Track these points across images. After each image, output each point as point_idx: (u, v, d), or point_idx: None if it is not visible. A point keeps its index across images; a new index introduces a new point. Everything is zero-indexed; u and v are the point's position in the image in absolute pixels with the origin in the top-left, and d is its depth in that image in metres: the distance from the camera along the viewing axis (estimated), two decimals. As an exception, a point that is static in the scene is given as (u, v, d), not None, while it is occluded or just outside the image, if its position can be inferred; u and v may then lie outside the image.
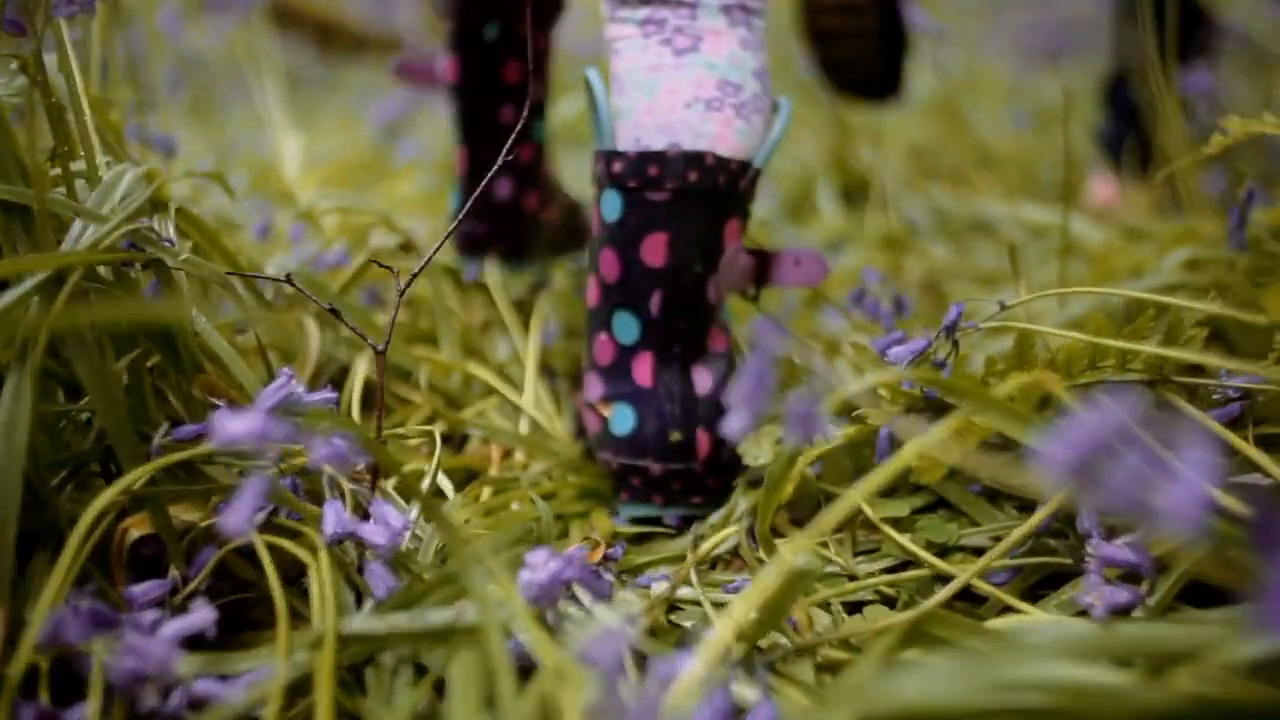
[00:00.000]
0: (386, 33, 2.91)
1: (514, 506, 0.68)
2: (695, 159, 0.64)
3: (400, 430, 0.69)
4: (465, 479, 0.71)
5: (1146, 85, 1.54)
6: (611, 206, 0.66)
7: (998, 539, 0.56)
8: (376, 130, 1.88)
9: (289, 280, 0.57)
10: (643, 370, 0.67)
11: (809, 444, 0.62)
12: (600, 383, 0.69)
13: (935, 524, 0.58)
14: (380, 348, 0.57)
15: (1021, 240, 1.29)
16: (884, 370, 0.65)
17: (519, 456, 0.75)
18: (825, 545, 0.60)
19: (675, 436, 0.66)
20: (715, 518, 0.66)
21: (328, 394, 0.53)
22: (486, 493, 0.69)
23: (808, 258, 0.69)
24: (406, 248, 1.22)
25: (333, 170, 1.62)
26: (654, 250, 0.65)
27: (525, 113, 0.56)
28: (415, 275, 0.58)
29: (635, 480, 0.67)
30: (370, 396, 0.80)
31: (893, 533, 0.57)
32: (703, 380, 0.67)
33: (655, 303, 0.66)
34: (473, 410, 0.77)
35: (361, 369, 0.75)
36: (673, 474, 0.66)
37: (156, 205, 0.64)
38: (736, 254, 0.67)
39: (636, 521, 0.69)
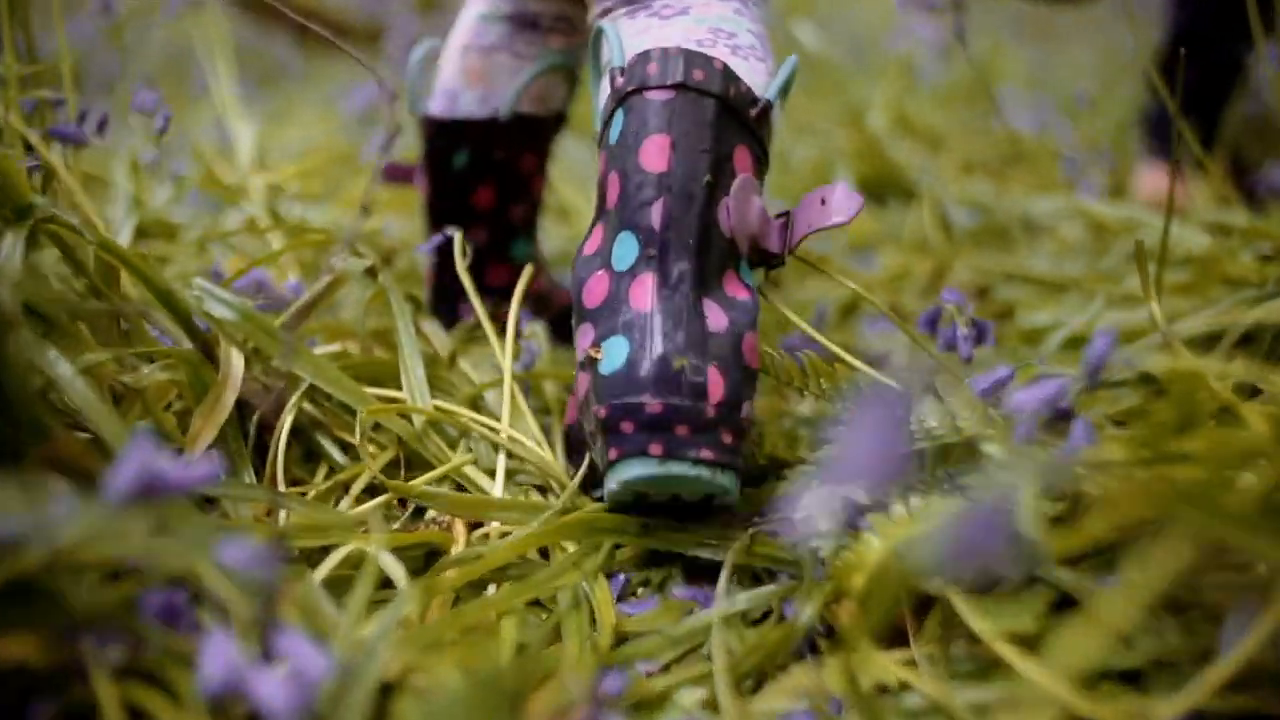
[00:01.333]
0: (368, 22, 2.75)
1: (490, 591, 0.52)
2: (699, 57, 0.59)
3: (328, 486, 0.53)
4: (425, 558, 0.55)
5: (1209, 60, 1.40)
6: (614, 128, 0.60)
7: (1165, 665, 0.40)
8: (351, 120, 1.72)
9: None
10: (641, 293, 0.56)
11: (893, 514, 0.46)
12: (590, 329, 0.57)
13: (1074, 638, 0.42)
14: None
15: (1078, 240, 1.13)
16: (987, 414, 0.49)
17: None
18: (913, 663, 0.44)
19: (679, 363, 0.54)
20: (746, 598, 0.50)
21: (205, 468, 0.37)
22: (452, 574, 0.52)
23: (834, 193, 0.58)
24: (374, 271, 1.07)
25: (301, 163, 1.46)
26: (654, 154, 0.57)
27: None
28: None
29: (627, 425, 0.54)
30: (317, 447, 0.63)
31: (1012, 654, 0.41)
32: (716, 316, 0.56)
33: (657, 212, 0.57)
34: (429, 476, 0.59)
35: (292, 416, 0.59)
36: (676, 413, 0.53)
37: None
38: (749, 184, 0.58)
39: (629, 510, 0.55)
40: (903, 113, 1.64)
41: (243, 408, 0.61)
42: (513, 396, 0.64)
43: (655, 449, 0.53)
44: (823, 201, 0.58)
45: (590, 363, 0.56)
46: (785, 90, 0.62)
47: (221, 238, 0.96)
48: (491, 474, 0.60)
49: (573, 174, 1.34)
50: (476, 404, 0.67)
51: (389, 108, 0.52)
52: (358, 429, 0.57)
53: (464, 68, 0.86)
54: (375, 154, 1.39)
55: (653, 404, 0.53)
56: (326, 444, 0.62)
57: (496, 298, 0.87)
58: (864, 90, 1.77)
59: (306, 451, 0.64)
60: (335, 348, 0.70)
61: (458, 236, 0.75)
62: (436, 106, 0.86)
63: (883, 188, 1.34)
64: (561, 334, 0.91)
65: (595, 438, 0.56)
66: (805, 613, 0.48)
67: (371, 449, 0.60)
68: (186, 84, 1.98)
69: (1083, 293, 0.89)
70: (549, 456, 0.63)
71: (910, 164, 1.38)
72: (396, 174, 0.91)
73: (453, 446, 0.62)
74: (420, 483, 0.57)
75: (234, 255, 0.92)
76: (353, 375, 0.65)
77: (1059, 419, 0.46)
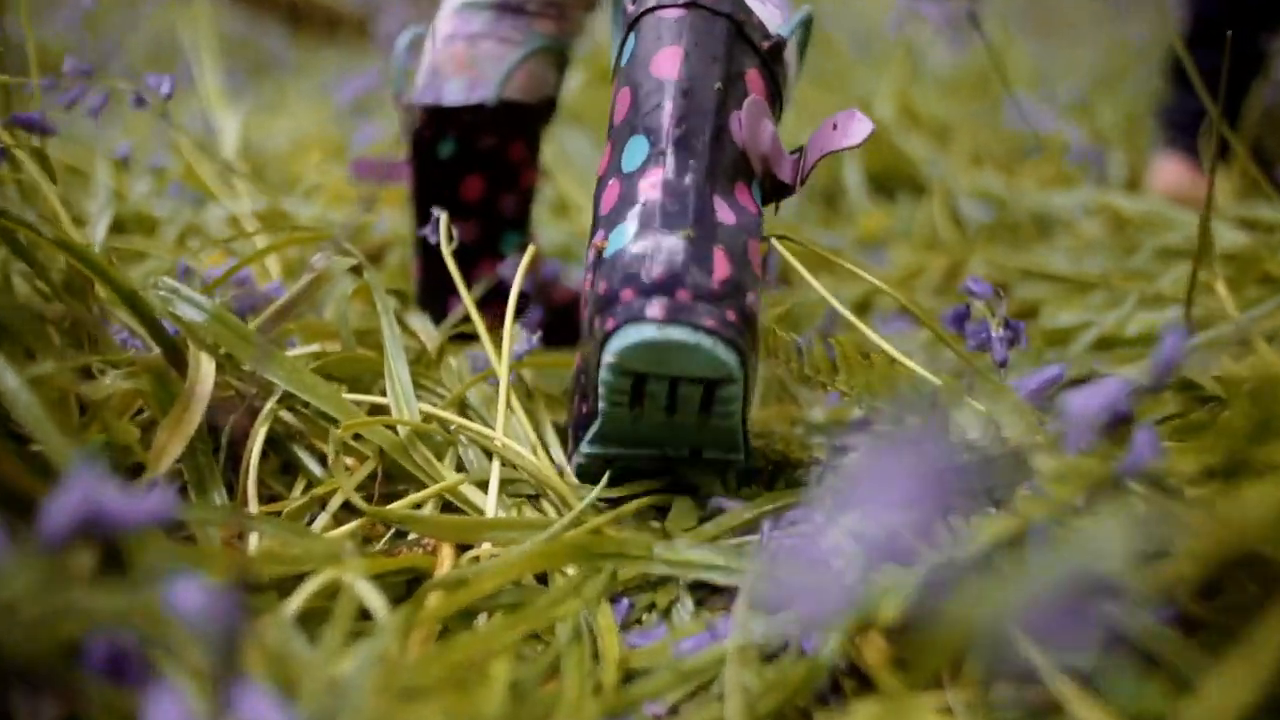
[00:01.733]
0: (358, 10, 2.70)
1: (480, 620, 0.47)
2: None
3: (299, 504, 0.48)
4: (408, 584, 0.50)
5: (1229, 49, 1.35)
6: (626, 51, 0.60)
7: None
8: (343, 109, 1.67)
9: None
10: (649, 185, 0.55)
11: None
12: (600, 231, 0.57)
13: (1127, 682, 0.38)
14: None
15: (1097, 235, 1.08)
16: (1034, 421, 0.44)
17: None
18: (949, 710, 0.40)
19: (685, 233, 0.53)
20: (762, 629, 0.46)
21: (155, 501, 0.32)
22: (437, 602, 0.47)
23: (845, 118, 0.58)
24: (359, 270, 1.02)
25: (290, 155, 1.41)
26: (665, 63, 0.58)
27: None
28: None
29: (628, 292, 0.53)
30: (295, 459, 0.59)
31: (1072, 695, 0.36)
32: (725, 212, 0.56)
33: (668, 111, 0.56)
34: (410, 500, 0.55)
35: (265, 428, 0.55)
36: (679, 279, 0.53)
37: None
38: (760, 106, 0.58)
39: (619, 447, 0.55)
40: (909, 103, 1.59)
41: (215, 417, 0.57)
42: (506, 399, 0.60)
43: (655, 311, 0.52)
44: (834, 127, 0.58)
45: (596, 257, 0.55)
46: (803, 46, 0.63)
47: (201, 233, 0.92)
48: (482, 486, 0.56)
49: (572, 167, 1.29)
50: (464, 406, 0.62)
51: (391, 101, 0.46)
52: (331, 446, 0.53)
53: (449, 54, 0.81)
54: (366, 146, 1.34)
55: (655, 269, 0.53)
56: (304, 456, 0.58)
57: (488, 295, 0.83)
58: (870, 80, 1.72)
59: (284, 463, 0.59)
60: (314, 348, 0.65)
61: (443, 219, 0.70)
62: (421, 95, 0.82)
63: (892, 181, 1.30)
64: (557, 334, 0.87)
65: (592, 330, 0.55)
66: (827, 647, 0.44)
67: (351, 461, 0.56)
68: (172, 76, 1.92)
69: (1109, 291, 0.85)
70: (545, 463, 0.58)
71: (920, 156, 1.33)
72: (368, 171, 0.86)
73: (440, 455, 0.58)
74: (403, 505, 0.52)
75: (214, 252, 0.87)
76: (332, 376, 0.61)
77: (1115, 424, 0.41)
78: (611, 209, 0.56)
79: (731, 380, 0.53)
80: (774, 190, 0.60)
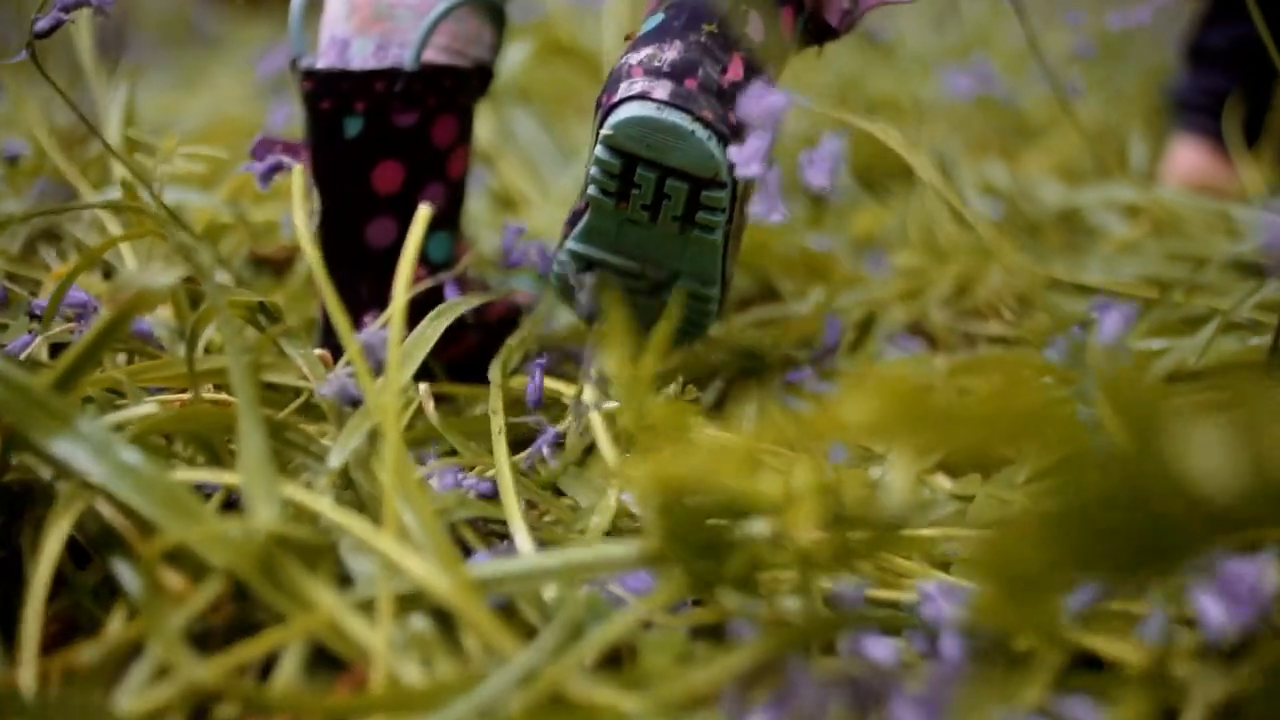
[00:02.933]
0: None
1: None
2: None
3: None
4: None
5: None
6: None
7: None
8: (264, 85, 1.48)
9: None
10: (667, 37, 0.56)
11: None
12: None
13: None
14: None
15: (1134, 238, 0.94)
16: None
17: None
18: None
19: (710, 28, 0.55)
20: None
21: None
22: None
23: None
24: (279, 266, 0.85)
25: (199, 136, 1.23)
26: None
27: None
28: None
29: (637, 70, 0.55)
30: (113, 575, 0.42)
31: None
32: (758, 28, 0.57)
33: None
34: (262, 647, 0.38)
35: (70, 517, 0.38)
36: (690, 66, 0.54)
37: None
38: None
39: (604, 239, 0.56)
40: (895, 87, 1.45)
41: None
42: (405, 475, 0.43)
43: (659, 92, 0.53)
44: None
45: (626, 40, 0.57)
46: None
47: (58, 239, 0.74)
48: (368, 608, 0.39)
49: (519, 153, 1.12)
50: (348, 483, 0.46)
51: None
52: (141, 573, 0.36)
53: (354, 7, 0.65)
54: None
55: (669, 53, 0.54)
56: (125, 568, 0.41)
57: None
58: (854, 61, 1.57)
59: (104, 578, 0.42)
60: (149, 405, 0.48)
61: (315, 210, 0.59)
62: (321, 59, 0.65)
63: (886, 174, 1.15)
64: (488, 357, 0.71)
65: (598, 106, 0.56)
66: None
67: (180, 583, 0.39)
68: (55, 53, 1.72)
69: (1163, 308, 0.70)
70: (462, 574, 0.42)
71: (915, 144, 1.18)
72: (271, 153, 0.69)
73: (312, 564, 0.41)
74: (257, 647, 0.36)
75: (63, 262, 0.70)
76: (171, 433, 0.44)
77: None
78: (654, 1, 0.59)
79: (718, 183, 0.54)
80: (816, 32, 0.60)
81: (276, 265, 0.88)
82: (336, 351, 0.67)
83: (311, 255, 0.48)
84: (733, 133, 0.53)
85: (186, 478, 0.42)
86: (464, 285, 0.68)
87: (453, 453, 0.57)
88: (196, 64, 2.05)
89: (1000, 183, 1.10)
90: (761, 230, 0.82)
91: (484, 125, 1.11)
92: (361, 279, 0.67)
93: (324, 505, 0.40)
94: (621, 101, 0.54)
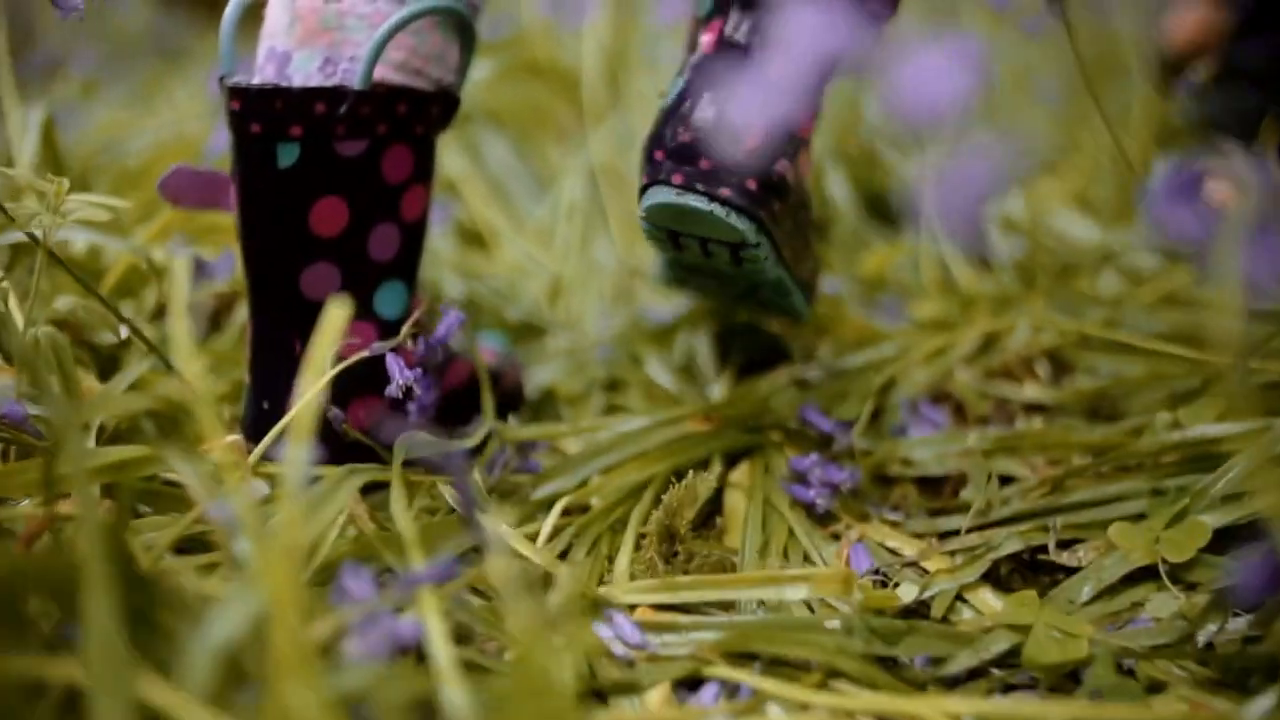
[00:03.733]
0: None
1: None
2: None
3: None
4: None
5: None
6: None
7: None
8: (217, 104, 1.37)
9: None
10: (709, 40, 0.58)
11: None
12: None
13: None
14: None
15: (1169, 281, 0.84)
16: None
17: None
18: None
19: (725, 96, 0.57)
20: None
21: None
22: None
23: None
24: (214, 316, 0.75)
25: (149, 161, 1.12)
26: None
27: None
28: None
29: (659, 153, 0.56)
30: None
31: None
32: (754, 138, 0.56)
33: None
34: None
35: None
36: (703, 148, 0.55)
37: None
38: None
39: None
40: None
41: None
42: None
43: (677, 178, 0.55)
44: None
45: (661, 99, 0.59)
46: None
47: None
48: None
49: (489, 184, 1.02)
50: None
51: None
52: None
53: (297, 15, 0.54)
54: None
55: (684, 134, 0.56)
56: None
57: (351, 384, 0.56)
58: (850, 86, 1.47)
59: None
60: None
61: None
62: (257, 74, 0.55)
63: (885, 200, 1.05)
64: (450, 418, 0.61)
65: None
66: None
67: None
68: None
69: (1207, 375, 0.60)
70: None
71: (920, 173, 1.09)
72: (186, 187, 0.58)
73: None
74: None
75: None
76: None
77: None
78: (685, 50, 0.61)
79: (750, 244, 0.56)
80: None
81: (213, 316, 0.77)
82: (260, 422, 0.56)
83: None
84: (754, 199, 0.55)
85: (20, 668, 0.31)
86: (410, 356, 0.57)
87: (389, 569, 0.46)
88: (156, 78, 1.93)
89: (1018, 215, 1.01)
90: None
91: (450, 150, 1.01)
92: (295, 336, 0.57)
93: (191, 712, 0.29)
94: (648, 185, 0.56)
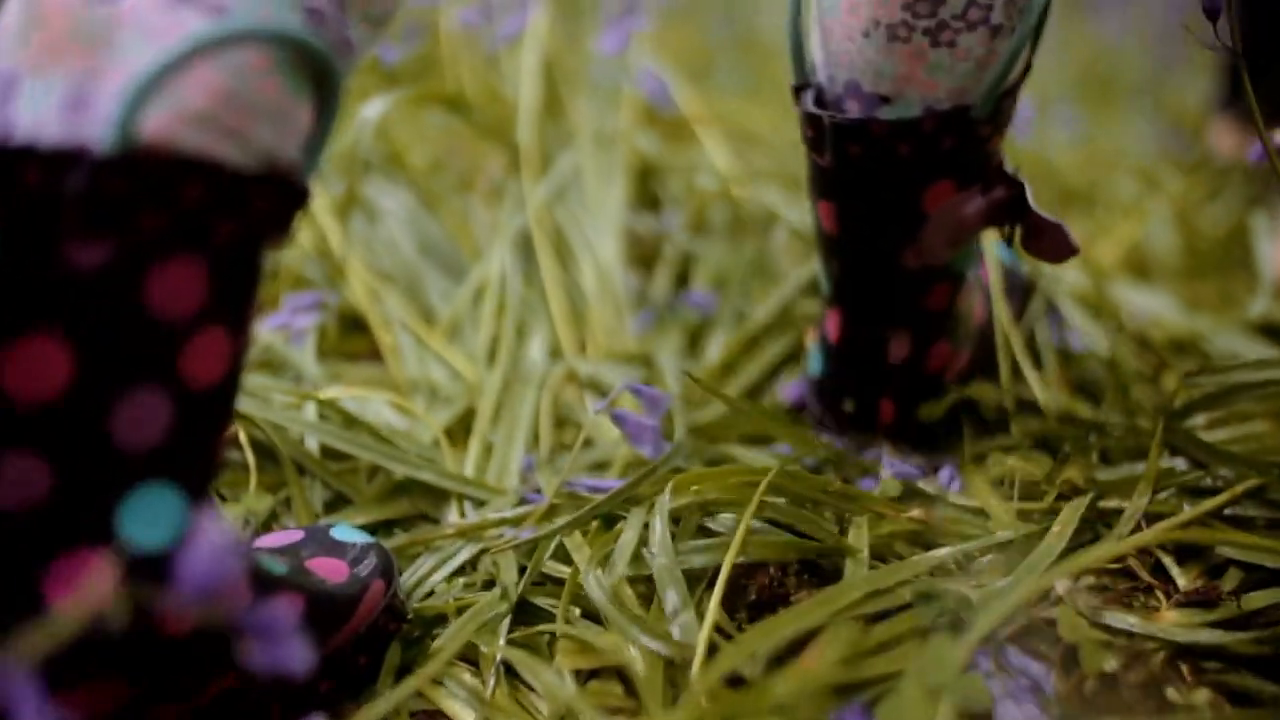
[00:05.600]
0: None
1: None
2: (854, 131, 0.54)
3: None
4: None
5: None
6: None
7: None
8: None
9: None
10: (832, 325, 0.61)
11: None
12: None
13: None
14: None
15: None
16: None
17: None
18: None
19: (848, 407, 0.61)
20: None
21: None
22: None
23: (1053, 229, 0.56)
24: None
25: None
26: (826, 216, 0.58)
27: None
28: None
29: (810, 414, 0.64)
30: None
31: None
32: (899, 347, 0.59)
33: (835, 269, 0.60)
34: None
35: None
36: (840, 423, 0.62)
37: None
38: (955, 206, 0.55)
39: None
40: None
41: None
42: None
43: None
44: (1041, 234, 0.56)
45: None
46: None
47: None
48: None
49: (392, 257, 0.76)
50: None
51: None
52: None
53: (37, 17, 0.35)
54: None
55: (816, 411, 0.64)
56: None
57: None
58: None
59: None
60: None
61: None
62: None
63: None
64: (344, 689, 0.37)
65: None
66: None
67: None
68: None
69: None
70: None
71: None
72: None
73: None
74: None
75: None
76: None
77: None
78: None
79: None
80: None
81: None
82: None
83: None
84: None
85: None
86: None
87: None
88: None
89: (1080, 287, 0.77)
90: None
91: (330, 211, 0.75)
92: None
93: None
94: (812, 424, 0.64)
